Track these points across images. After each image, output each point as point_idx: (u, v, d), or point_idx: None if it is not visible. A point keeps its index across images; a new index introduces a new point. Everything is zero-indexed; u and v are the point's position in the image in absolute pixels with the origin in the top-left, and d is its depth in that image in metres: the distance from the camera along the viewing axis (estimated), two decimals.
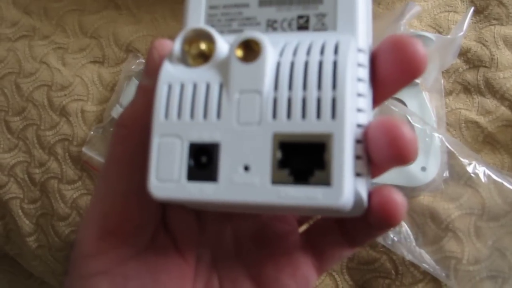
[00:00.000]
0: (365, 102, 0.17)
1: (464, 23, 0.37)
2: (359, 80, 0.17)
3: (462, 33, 0.36)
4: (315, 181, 0.16)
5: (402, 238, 0.43)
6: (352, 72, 0.16)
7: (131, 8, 0.51)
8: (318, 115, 0.16)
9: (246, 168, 0.16)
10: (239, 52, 0.17)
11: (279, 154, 0.16)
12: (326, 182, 0.16)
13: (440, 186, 0.43)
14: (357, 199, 0.17)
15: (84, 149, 0.48)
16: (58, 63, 0.51)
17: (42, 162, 0.50)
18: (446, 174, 0.42)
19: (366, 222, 0.18)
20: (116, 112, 0.47)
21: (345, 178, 0.16)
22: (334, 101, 0.16)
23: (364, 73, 0.17)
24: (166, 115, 0.17)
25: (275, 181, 0.16)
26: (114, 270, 0.19)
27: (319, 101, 0.16)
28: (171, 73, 0.18)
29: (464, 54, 0.45)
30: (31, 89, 0.51)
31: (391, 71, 0.17)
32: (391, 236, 0.42)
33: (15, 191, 0.51)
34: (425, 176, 0.43)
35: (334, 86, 0.16)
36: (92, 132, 0.48)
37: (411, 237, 0.43)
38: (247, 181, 0.16)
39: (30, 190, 0.51)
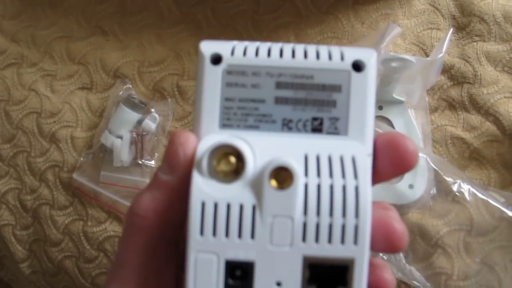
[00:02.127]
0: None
1: (443, 44, 0.37)
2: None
3: (441, 55, 0.36)
4: None
5: (391, 256, 0.43)
6: (370, 196, 0.18)
7: (117, 34, 0.51)
8: (342, 240, 0.18)
9: (279, 284, 0.18)
10: (274, 183, 0.18)
11: (307, 273, 0.18)
12: None
13: (428, 203, 0.43)
14: None
15: (74, 175, 0.48)
16: (47, 90, 0.51)
17: (34, 189, 0.50)
18: (433, 191, 0.43)
19: None
20: (105, 138, 0.47)
21: None
22: (356, 228, 0.18)
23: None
24: (202, 232, 0.18)
25: None
26: None
27: (343, 227, 0.18)
28: (203, 189, 0.18)
29: (448, 70, 0.45)
30: (20, 117, 0.51)
31: (387, 167, 0.20)
32: (381, 254, 0.42)
33: (7, 218, 0.51)
34: (413, 194, 0.43)
35: (356, 214, 0.18)
36: (82, 158, 0.49)
37: (401, 254, 0.43)
38: None
39: (22, 217, 0.51)
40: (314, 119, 0.20)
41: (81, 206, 0.49)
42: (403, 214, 0.43)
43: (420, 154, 0.39)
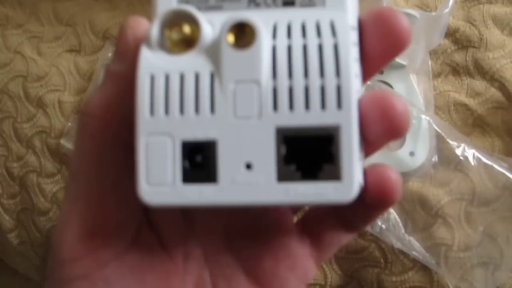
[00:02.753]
0: (359, 81, 0.17)
1: (449, 0, 0.35)
2: (355, 60, 0.16)
3: (447, 10, 0.34)
4: (324, 176, 0.15)
5: (390, 225, 0.41)
6: (353, 54, 0.16)
7: None
8: (323, 105, 0.15)
9: (248, 166, 0.15)
10: (231, 38, 0.16)
11: (283, 150, 0.15)
12: (335, 176, 0.15)
13: (429, 171, 0.42)
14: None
15: (62, 141, 0.47)
16: (33, 53, 0.49)
17: (20, 156, 0.49)
18: (435, 158, 0.41)
19: (362, 203, 0.17)
20: None
21: (354, 171, 0.15)
22: (338, 89, 0.15)
23: (356, 51, 0.17)
24: (152, 111, 0.16)
25: (281, 178, 0.15)
26: (94, 274, 0.18)
27: (322, 90, 0.15)
28: (152, 62, 0.16)
29: (452, 34, 0.44)
30: (5, 81, 0.49)
31: (375, 45, 0.17)
32: (379, 224, 0.41)
33: None
34: (413, 161, 0.42)
35: (337, 73, 0.15)
36: (70, 124, 0.47)
37: (400, 224, 0.42)
38: (251, 180, 0.15)
39: (9, 185, 0.49)
40: None
41: None
42: (403, 183, 0.42)
43: (423, 116, 0.37)
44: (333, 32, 0.16)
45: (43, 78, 0.49)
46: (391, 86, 0.43)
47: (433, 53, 0.44)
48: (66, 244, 0.18)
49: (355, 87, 0.15)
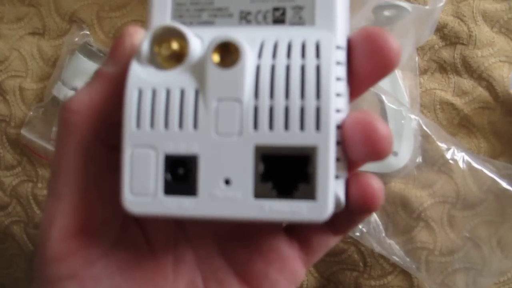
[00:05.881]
0: (343, 101, 0.17)
1: None
2: (338, 79, 0.17)
3: (441, 4, 0.33)
4: (299, 195, 0.16)
5: (371, 228, 0.40)
6: (334, 76, 0.16)
7: None
8: (302, 126, 0.16)
9: (227, 182, 0.16)
10: (216, 57, 0.16)
11: (261, 167, 0.16)
12: (310, 196, 0.16)
13: (413, 172, 0.40)
14: (336, 202, 0.17)
15: (23, 131, 0.44)
16: None
17: None
18: (419, 159, 0.40)
19: (347, 209, 0.18)
20: (58, 90, 0.43)
21: (329, 192, 0.16)
22: (318, 111, 0.16)
23: (342, 71, 0.17)
24: (138, 124, 0.17)
25: (258, 195, 0.16)
26: (83, 272, 0.19)
27: (302, 111, 0.16)
28: (141, 76, 0.17)
29: (440, 29, 0.42)
30: None
31: (364, 65, 0.17)
32: (360, 226, 0.39)
33: None
34: (397, 162, 0.40)
35: (317, 95, 0.16)
36: (31, 113, 0.45)
37: (381, 227, 0.40)
38: (229, 195, 0.16)
39: None
40: (276, 9, 0.18)
41: (30, 165, 0.45)
42: (385, 184, 0.41)
43: (412, 116, 0.36)
44: (317, 53, 0.16)
45: (3, 63, 0.46)
46: None
47: (420, 49, 0.42)
48: (52, 243, 0.19)
49: (334, 109, 0.16)
